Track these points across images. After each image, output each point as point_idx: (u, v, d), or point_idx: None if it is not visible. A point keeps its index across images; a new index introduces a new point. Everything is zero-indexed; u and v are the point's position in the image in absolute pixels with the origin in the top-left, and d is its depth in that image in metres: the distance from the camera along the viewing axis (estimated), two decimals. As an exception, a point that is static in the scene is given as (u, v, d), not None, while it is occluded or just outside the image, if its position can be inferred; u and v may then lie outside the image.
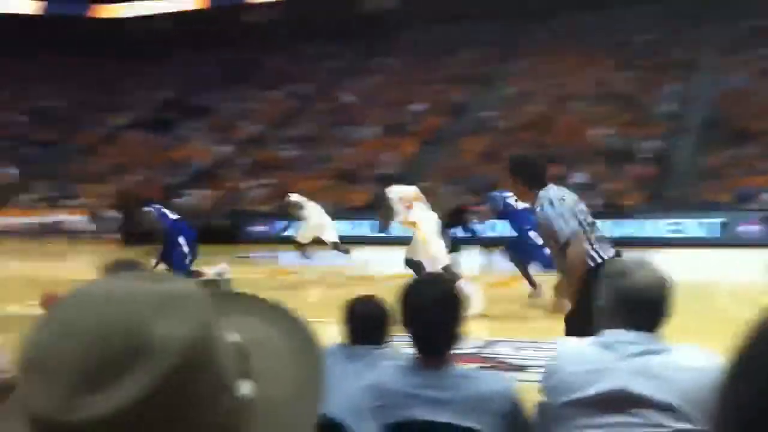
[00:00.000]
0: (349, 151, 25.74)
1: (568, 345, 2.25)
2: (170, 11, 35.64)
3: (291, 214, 13.10)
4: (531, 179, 4.30)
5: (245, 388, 0.75)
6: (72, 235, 22.47)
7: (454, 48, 30.83)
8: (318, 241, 13.22)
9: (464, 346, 2.92)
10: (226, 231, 21.24)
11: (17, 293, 10.35)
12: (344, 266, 13.74)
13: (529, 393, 2.39)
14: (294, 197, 13.13)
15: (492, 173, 18.89)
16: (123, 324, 0.68)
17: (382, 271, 12.75)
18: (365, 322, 2.80)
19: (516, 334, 7.13)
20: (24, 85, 33.46)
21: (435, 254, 8.55)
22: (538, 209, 4.20)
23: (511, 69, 29.48)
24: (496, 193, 9.87)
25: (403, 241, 9.51)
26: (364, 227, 20.84)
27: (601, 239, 4.18)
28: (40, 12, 35.10)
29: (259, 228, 21.66)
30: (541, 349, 6.02)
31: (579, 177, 19.86)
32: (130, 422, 0.67)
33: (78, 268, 15.55)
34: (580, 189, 8.90)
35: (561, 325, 4.06)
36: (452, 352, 2.31)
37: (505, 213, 9.47)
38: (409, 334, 2.31)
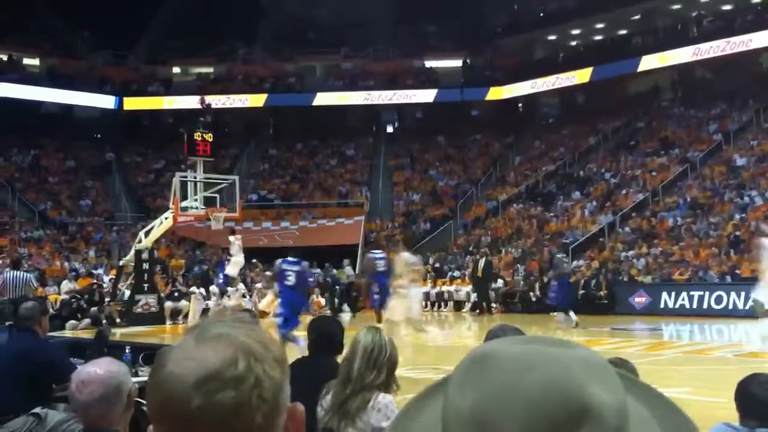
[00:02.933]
0: (741, 217, 23.67)
1: None
2: (555, 87, 36.63)
3: None
4: None
5: None
6: (457, 304, 23.66)
7: None
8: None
9: None
10: (604, 302, 20.90)
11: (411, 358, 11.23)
12: (740, 342, 12.74)
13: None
14: None
15: None
16: (561, 387, 0.70)
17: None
18: (762, 403, 2.59)
19: None
20: (424, 165, 36.63)
21: None
22: None
23: None
24: None
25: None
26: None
27: None
28: (431, 99, 38.30)
29: (642, 299, 20.91)
30: None
31: None
32: None
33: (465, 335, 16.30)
34: None
35: None
36: None
37: None
38: None
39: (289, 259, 13.01)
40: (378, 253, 16.55)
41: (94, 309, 19.01)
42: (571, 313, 16.62)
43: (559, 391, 0.69)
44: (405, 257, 14.20)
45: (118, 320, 18.73)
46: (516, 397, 0.69)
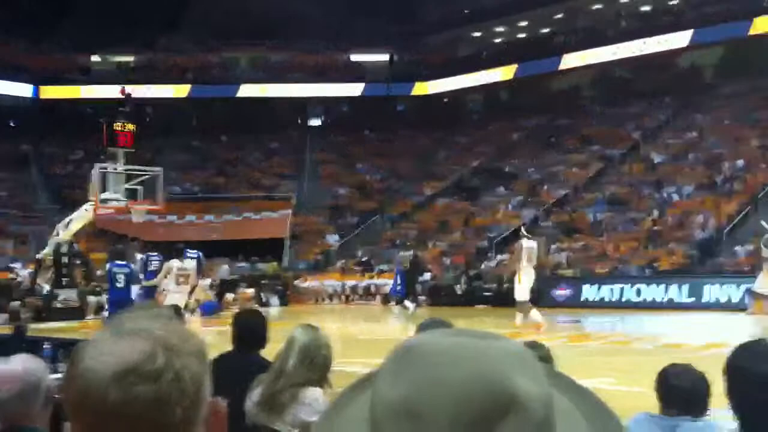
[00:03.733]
0: (659, 212, 24.45)
1: None
2: (479, 84, 37.08)
3: None
4: None
5: None
6: (385, 297, 23.73)
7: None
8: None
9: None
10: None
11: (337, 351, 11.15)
12: (659, 333, 13.20)
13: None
14: None
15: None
16: (488, 379, 0.72)
17: (695, 339, 11.98)
18: (681, 392, 2.65)
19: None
20: (350, 160, 36.61)
21: None
22: None
23: None
24: None
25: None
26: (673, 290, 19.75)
27: None
28: (359, 93, 38.31)
29: (563, 292, 21.38)
30: None
31: None
32: None
33: (391, 328, 16.32)
34: None
35: None
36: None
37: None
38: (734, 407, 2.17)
39: (118, 262, 14.12)
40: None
41: (13, 304, 18.34)
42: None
43: (486, 382, 0.71)
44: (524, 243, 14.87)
45: (43, 315, 18.09)
46: (444, 389, 0.71)
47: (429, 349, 0.75)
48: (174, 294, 14.27)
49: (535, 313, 14.22)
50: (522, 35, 38.94)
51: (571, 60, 34.28)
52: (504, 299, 20.85)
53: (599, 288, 21.12)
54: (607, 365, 9.63)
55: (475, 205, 29.98)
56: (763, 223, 18.08)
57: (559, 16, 36.89)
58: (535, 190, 29.44)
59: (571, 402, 0.81)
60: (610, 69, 34.90)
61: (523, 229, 16.72)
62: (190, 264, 15.09)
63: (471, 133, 37.20)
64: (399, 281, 20.61)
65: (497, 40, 40.06)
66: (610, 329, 15.99)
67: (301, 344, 3.47)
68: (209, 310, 20.08)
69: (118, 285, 13.67)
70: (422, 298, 22.44)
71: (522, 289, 14.51)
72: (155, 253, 16.50)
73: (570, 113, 34.96)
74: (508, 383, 0.71)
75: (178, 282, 14.53)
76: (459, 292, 22.74)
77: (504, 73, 36.11)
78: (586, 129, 33.05)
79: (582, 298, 21.09)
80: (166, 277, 14.78)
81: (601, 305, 20.27)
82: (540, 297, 21.26)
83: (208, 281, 20.84)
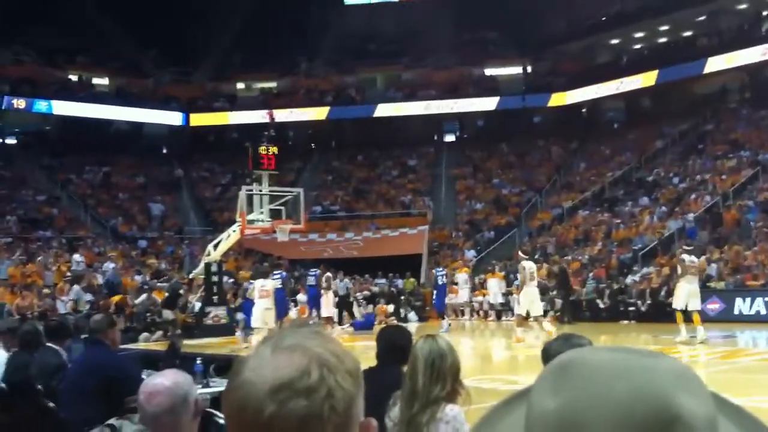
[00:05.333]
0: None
1: None
2: (619, 92, 36.07)
3: None
4: None
5: None
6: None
7: None
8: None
9: None
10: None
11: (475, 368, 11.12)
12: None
13: None
14: None
15: None
16: (651, 396, 0.70)
17: None
18: None
19: None
20: (486, 174, 36.44)
21: None
22: None
23: None
24: None
25: None
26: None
27: None
28: (493, 107, 38.06)
29: (715, 306, 20.35)
30: None
31: None
32: None
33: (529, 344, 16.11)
34: None
35: None
36: None
37: None
38: None
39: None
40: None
41: (166, 313, 19.42)
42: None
43: (649, 399, 0.69)
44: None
45: (194, 331, 19.07)
46: (604, 404, 0.69)
47: (588, 364, 0.74)
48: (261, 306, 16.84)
49: (547, 325, 16.07)
50: (663, 39, 37.63)
51: (716, 62, 32.76)
52: (651, 314, 20.16)
53: (753, 301, 19.98)
54: (762, 383, 9.11)
55: (617, 216, 29.11)
56: None
57: (702, 18, 35.38)
58: (681, 200, 28.26)
59: (731, 422, 0.78)
60: (759, 70, 33.10)
61: (520, 252, 17.97)
62: (272, 283, 17.65)
63: (611, 142, 36.20)
64: (436, 295, 22.28)
65: (636, 46, 38.88)
66: (765, 345, 15.11)
67: (425, 357, 3.45)
68: (363, 326, 20.57)
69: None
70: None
71: (532, 307, 16.08)
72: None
73: (716, 118, 33.38)
74: (672, 401, 0.70)
75: (261, 296, 16.99)
76: (602, 306, 22.10)
77: (645, 79, 34.95)
78: (734, 133, 31.45)
79: (735, 312, 20.01)
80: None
81: (755, 319, 19.16)
82: (689, 312, 20.46)
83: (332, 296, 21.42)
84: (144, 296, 20.87)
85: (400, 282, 26.97)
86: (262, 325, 16.17)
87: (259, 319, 16.57)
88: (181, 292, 21.62)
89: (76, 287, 19.23)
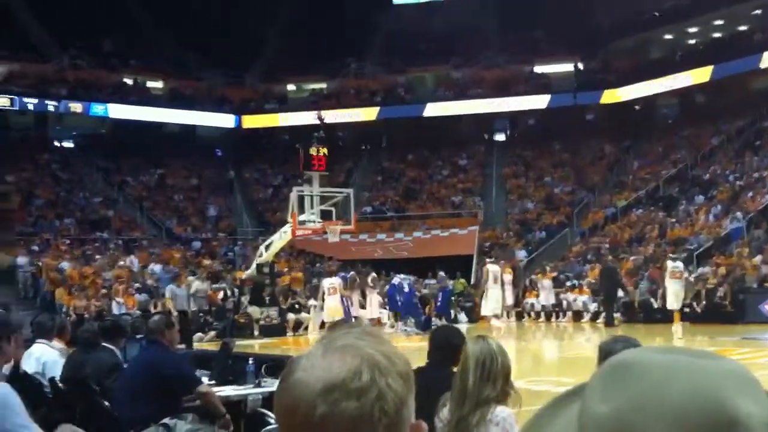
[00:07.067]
0: None
1: None
2: (673, 88, 35.40)
3: None
4: None
5: None
6: (576, 314, 23.10)
7: None
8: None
9: None
10: (730, 310, 20.00)
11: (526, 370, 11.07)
12: None
13: None
14: None
15: None
16: (707, 398, 0.69)
17: None
18: None
19: None
20: (537, 173, 36.13)
21: None
22: None
23: None
24: None
25: None
26: None
27: None
28: (544, 105, 37.67)
29: (771, 306, 19.87)
30: None
31: None
32: None
33: (579, 347, 15.95)
34: None
35: None
36: None
37: None
38: None
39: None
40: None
41: (220, 322, 19.67)
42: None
43: (705, 401, 0.68)
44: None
45: (247, 332, 19.25)
46: (659, 406, 0.69)
47: (643, 365, 0.73)
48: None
49: (495, 322, 18.59)
50: (717, 34, 36.83)
51: (773, 57, 31.96)
52: (707, 316, 19.79)
53: (815, 301, 19.44)
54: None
55: (672, 215, 28.58)
56: None
57: (757, 12, 34.53)
58: (737, 198, 27.63)
59: None
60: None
61: (486, 258, 20.70)
62: (337, 280, 19.59)
63: (665, 139, 35.57)
64: (440, 298, 22.71)
65: (690, 41, 38.13)
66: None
67: (475, 357, 3.46)
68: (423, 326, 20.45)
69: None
70: (617, 315, 21.62)
71: (486, 307, 18.89)
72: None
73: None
74: (729, 403, 0.68)
75: (329, 293, 18.45)
76: (655, 307, 21.70)
77: (700, 74, 34.24)
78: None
79: (796, 314, 19.50)
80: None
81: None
82: (746, 312, 20.01)
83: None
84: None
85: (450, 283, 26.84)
86: (329, 320, 17.25)
87: (326, 315, 17.54)
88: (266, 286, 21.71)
89: (171, 286, 19.50)
